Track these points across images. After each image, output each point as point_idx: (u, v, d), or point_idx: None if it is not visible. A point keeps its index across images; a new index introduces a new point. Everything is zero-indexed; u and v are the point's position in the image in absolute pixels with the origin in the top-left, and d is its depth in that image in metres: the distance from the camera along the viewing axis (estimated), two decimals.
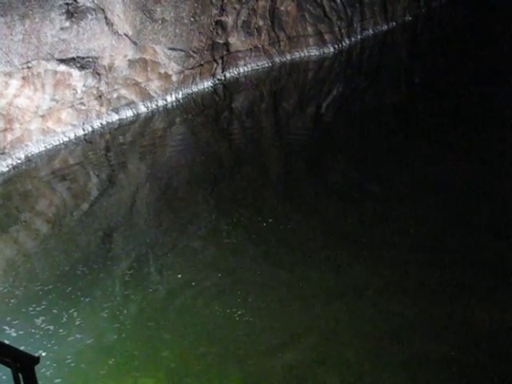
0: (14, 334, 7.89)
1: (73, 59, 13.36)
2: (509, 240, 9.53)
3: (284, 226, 10.33)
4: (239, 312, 8.20)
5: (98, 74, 14.14)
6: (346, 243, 9.72)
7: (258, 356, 7.47)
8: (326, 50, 20.49)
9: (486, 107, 15.28)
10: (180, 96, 16.47)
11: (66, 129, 13.92)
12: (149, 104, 15.71)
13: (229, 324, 8.04)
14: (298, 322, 8.03)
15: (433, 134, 13.84)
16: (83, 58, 13.59)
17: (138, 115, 15.39)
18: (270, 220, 10.46)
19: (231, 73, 18.20)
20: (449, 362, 7.20)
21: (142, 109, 15.57)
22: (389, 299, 8.34)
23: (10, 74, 12.20)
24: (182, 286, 8.87)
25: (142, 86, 15.50)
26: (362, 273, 8.94)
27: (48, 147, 13.46)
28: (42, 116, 13.28)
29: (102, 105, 14.64)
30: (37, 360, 2.99)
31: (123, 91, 15.09)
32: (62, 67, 13.14)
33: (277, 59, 19.45)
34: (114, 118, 14.97)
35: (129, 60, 14.84)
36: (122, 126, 14.84)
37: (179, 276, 9.05)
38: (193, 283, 8.87)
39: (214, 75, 17.60)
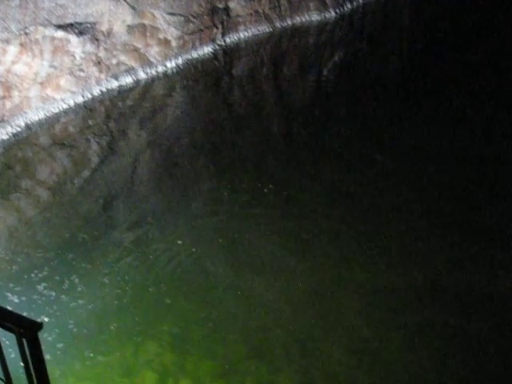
0: (16, 301, 7.96)
1: (71, 25, 13.19)
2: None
3: (285, 192, 10.34)
4: (240, 277, 8.26)
5: (97, 40, 13.99)
6: (348, 209, 9.73)
7: (259, 321, 7.53)
8: (327, 15, 20.22)
9: (490, 71, 15.12)
10: (180, 62, 16.31)
11: (66, 96, 13.82)
12: (148, 70, 15.56)
13: (230, 289, 8.10)
14: (302, 288, 8.08)
15: (436, 99, 13.73)
16: (81, 24, 13.42)
17: (137, 81, 15.26)
18: (271, 186, 10.46)
19: (231, 38, 17.99)
20: (449, 329, 7.29)
21: (142, 75, 15.44)
22: (393, 266, 8.38)
23: (7, 41, 12.06)
24: (182, 252, 8.91)
25: (142, 51, 15.34)
26: (364, 239, 8.97)
27: (48, 114, 13.38)
28: (41, 83, 13.17)
29: (101, 71, 14.50)
30: (40, 326, 3.01)
31: (122, 57, 14.94)
32: (60, 33, 12.99)
33: (278, 24, 19.20)
34: (114, 84, 14.84)
35: (127, 25, 14.65)
36: (122, 93, 14.73)
37: (179, 242, 9.09)
38: (193, 249, 8.91)
39: (213, 40, 17.41)
